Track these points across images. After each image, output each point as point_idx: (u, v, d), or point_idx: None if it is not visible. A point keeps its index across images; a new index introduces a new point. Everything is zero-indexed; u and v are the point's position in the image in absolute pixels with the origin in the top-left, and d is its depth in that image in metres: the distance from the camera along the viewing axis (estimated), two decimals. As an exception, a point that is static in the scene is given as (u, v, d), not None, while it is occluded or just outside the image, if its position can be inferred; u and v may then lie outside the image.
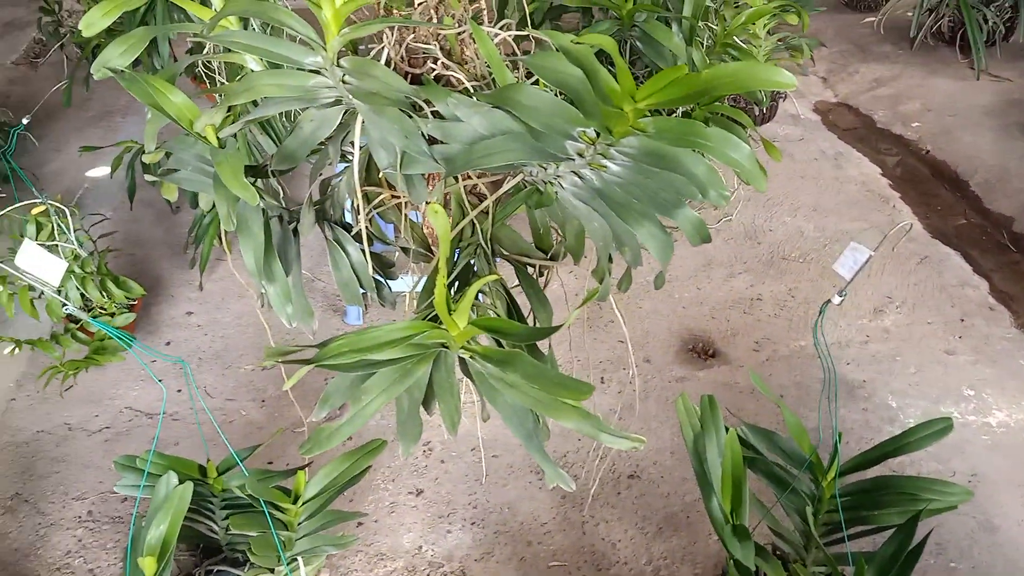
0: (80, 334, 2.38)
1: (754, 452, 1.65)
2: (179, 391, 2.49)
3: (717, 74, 0.90)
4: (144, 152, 2.83)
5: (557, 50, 1.04)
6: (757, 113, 3.79)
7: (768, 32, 3.14)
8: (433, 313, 1.25)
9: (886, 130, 4.01)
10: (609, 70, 1.05)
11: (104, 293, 2.42)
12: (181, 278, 2.97)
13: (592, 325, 2.73)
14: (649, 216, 1.12)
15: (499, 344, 1.27)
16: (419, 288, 1.44)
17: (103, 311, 2.44)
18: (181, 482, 1.51)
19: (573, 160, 1.13)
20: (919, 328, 2.75)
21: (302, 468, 1.61)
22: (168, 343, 2.70)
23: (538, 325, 1.45)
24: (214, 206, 1.30)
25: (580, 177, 1.18)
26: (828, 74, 4.54)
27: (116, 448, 2.31)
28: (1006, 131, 3.80)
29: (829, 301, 1.40)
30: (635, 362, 2.62)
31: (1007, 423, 2.40)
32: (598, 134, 1.05)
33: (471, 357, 1.14)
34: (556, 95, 1.12)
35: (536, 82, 1.38)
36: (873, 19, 4.86)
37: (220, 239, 2.85)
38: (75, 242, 2.33)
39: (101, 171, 2.74)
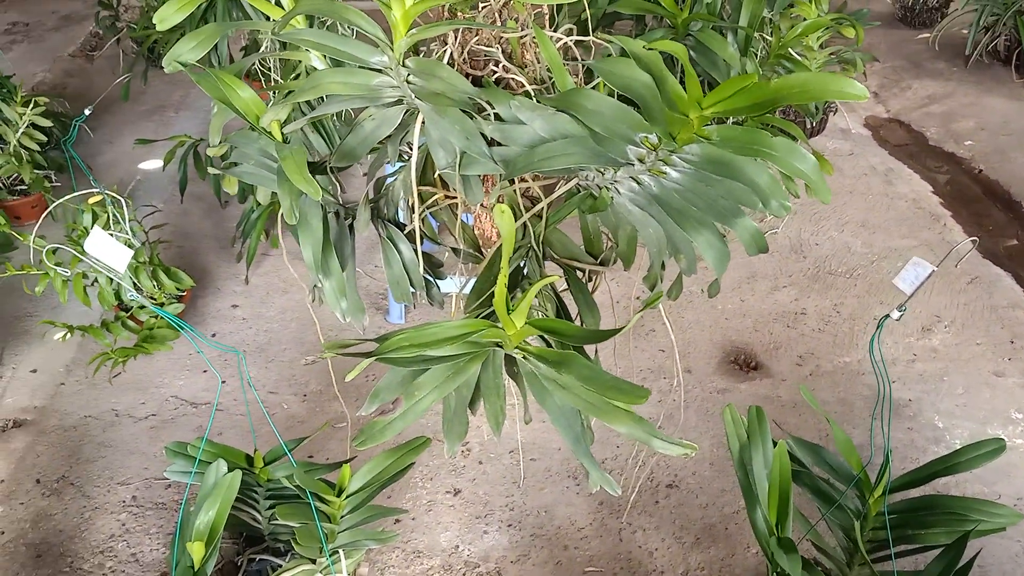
0: (130, 322, 2.42)
1: (799, 466, 1.63)
2: (223, 382, 2.53)
3: (786, 84, 0.89)
4: (196, 147, 2.87)
5: (625, 55, 1.05)
6: (807, 126, 3.75)
7: (821, 45, 3.12)
8: (487, 312, 1.26)
9: (938, 147, 3.95)
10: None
11: (155, 283, 2.47)
12: (227, 271, 3.02)
13: (634, 333, 2.73)
14: (707, 224, 1.12)
15: (548, 345, 1.27)
16: (467, 289, 1.45)
17: (153, 300, 2.49)
18: (230, 470, 1.53)
19: (633, 165, 1.13)
20: (967, 349, 2.70)
21: (346, 462, 1.63)
22: (214, 334, 2.74)
23: (586, 328, 1.46)
24: (271, 199, 1.33)
25: (638, 183, 1.18)
26: (880, 89, 4.48)
27: (161, 435, 2.35)
28: (1062, 152, 3.73)
29: (888, 316, 1.38)
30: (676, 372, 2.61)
31: (1056, 449, 2.35)
32: (660, 140, 1.05)
33: (524, 357, 1.15)
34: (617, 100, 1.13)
35: (595, 87, 1.38)
36: (928, 35, 4.79)
37: (266, 234, 2.89)
38: (129, 232, 2.38)
39: (153, 164, 2.80)
